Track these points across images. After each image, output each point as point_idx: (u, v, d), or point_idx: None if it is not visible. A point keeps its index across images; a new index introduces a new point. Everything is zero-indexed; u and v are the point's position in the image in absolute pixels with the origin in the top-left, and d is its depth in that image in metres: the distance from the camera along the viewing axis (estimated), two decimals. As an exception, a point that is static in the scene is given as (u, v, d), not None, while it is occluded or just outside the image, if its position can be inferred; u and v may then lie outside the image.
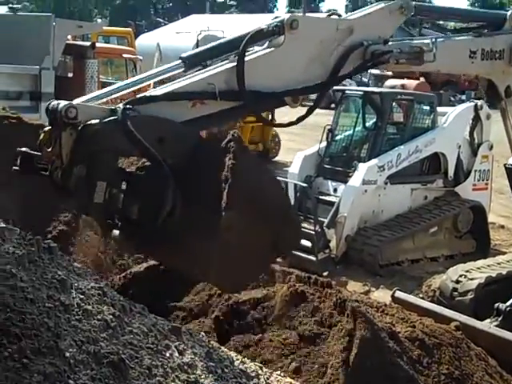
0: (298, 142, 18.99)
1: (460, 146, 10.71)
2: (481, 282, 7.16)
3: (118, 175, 3.63)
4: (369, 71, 35.29)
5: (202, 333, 3.24)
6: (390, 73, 36.68)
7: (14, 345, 2.03)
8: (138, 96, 3.89)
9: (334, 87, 13.90)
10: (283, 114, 18.25)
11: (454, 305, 6.98)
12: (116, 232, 3.79)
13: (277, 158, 17.71)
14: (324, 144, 10.68)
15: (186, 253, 3.48)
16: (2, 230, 2.47)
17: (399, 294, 6.71)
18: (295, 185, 9.80)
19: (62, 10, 58.60)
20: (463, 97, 30.39)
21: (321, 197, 10.11)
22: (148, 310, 3.09)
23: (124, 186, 3.56)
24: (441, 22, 6.12)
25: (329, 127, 10.73)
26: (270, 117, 17.02)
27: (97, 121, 3.51)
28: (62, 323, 2.14)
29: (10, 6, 14.54)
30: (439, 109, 11.25)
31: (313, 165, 10.55)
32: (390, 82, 31.64)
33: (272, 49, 4.34)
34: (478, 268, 7.52)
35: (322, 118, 14.36)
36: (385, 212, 9.99)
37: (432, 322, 5.23)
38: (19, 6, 14.63)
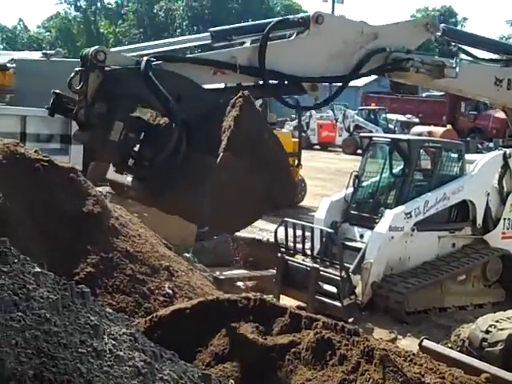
0: (324, 188, 19.04)
1: (489, 194, 10.63)
2: (511, 333, 7.02)
3: (135, 121, 3.94)
4: (395, 118, 35.44)
5: (232, 380, 3.23)
6: (416, 119, 36.84)
7: (46, 390, 2.04)
8: (164, 53, 4.19)
9: (361, 134, 14.05)
10: (307, 160, 18.18)
11: (483, 355, 6.84)
12: (129, 179, 4.02)
13: (303, 203, 17.70)
14: (350, 190, 10.68)
15: (186, 195, 3.64)
16: (37, 274, 2.51)
17: (427, 343, 6.59)
18: (321, 230, 9.78)
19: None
20: (491, 144, 30.24)
21: (347, 243, 10.07)
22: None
23: (142, 135, 3.81)
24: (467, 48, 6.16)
25: (355, 173, 10.72)
26: (296, 162, 17.17)
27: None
28: (95, 369, 2.14)
29: (44, 51, 14.96)
30: (467, 156, 11.22)
31: (339, 211, 10.55)
32: (416, 129, 31.75)
33: (296, 38, 4.64)
34: (508, 318, 7.38)
35: (348, 163, 14.48)
36: (412, 259, 9.91)
37: (461, 373, 5.13)
38: (52, 51, 15.00)
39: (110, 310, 2.75)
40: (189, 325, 5.50)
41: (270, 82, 4.53)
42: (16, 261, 2.55)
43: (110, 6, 76.69)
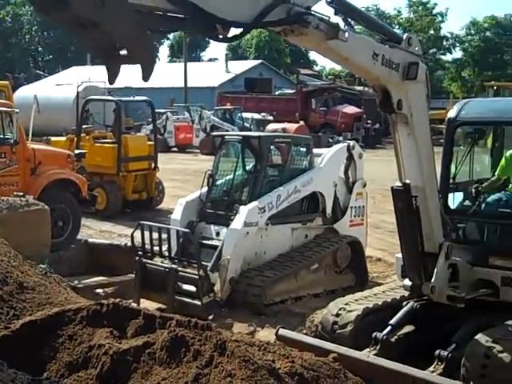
0: (182, 189, 19.07)
1: (336, 185, 11.05)
2: (359, 314, 7.39)
3: None
4: (251, 116, 36.15)
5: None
6: (271, 117, 37.80)
7: None
8: None
9: (213, 133, 14.23)
10: (164, 163, 18.03)
11: (335, 338, 7.18)
12: None
13: (161, 206, 17.66)
14: (205, 189, 10.77)
15: None
16: None
17: (283, 332, 6.85)
18: (177, 231, 9.82)
19: None
20: (340, 138, 31.71)
21: (204, 241, 10.15)
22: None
23: None
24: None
25: (209, 172, 10.84)
26: (152, 165, 17.15)
27: None
28: None
29: None
30: (315, 150, 11.64)
31: (195, 210, 10.60)
32: (271, 126, 32.57)
33: None
34: (356, 300, 7.78)
35: (206, 163, 14.54)
36: (267, 253, 10.15)
37: (312, 355, 5.36)
38: None
39: None
40: (41, 336, 5.37)
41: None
42: None
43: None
